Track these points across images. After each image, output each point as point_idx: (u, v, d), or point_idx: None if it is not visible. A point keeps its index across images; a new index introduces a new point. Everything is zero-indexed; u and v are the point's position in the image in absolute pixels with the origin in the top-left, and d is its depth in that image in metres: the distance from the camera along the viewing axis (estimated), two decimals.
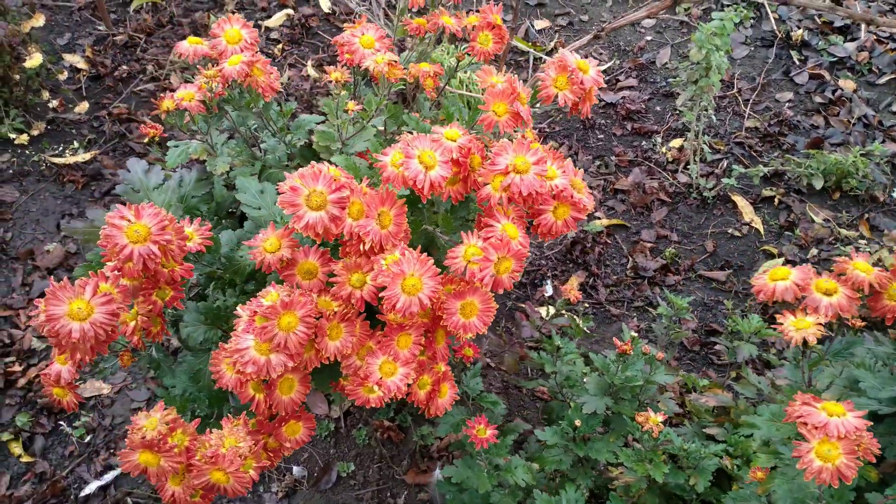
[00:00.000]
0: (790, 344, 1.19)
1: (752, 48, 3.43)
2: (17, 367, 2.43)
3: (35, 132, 3.11)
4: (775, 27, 3.46)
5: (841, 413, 1.05)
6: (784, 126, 3.10)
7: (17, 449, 2.27)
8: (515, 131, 1.27)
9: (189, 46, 1.47)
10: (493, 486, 1.54)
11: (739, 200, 2.88)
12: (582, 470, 1.72)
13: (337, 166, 1.17)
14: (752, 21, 3.50)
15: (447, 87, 1.56)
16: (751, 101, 3.21)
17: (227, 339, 1.33)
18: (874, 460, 1.05)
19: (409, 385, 1.26)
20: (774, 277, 1.25)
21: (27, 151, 3.06)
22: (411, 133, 1.21)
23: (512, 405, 2.40)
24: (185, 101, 1.41)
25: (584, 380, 1.79)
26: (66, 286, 1.12)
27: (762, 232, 2.80)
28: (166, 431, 1.21)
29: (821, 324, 1.18)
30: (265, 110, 1.49)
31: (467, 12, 1.59)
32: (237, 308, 1.19)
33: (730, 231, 2.82)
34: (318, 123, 1.57)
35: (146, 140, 1.60)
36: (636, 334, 1.79)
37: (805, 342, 1.18)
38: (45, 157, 3.03)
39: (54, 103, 3.21)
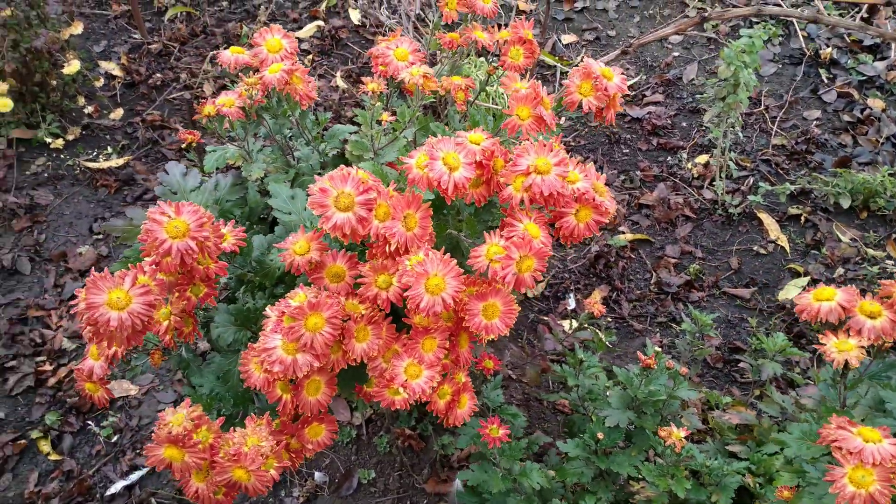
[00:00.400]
0: (832, 365, 1.19)
1: (780, 65, 3.43)
2: (47, 367, 2.48)
3: (70, 137, 3.19)
4: (804, 45, 3.45)
5: (877, 440, 1.05)
6: (811, 144, 3.09)
7: (45, 447, 2.32)
8: (542, 138, 1.29)
9: (230, 56, 1.52)
10: (509, 490, 1.55)
11: (765, 218, 2.87)
12: (603, 483, 1.72)
13: (365, 171, 1.20)
14: (780, 38, 3.50)
15: (477, 100, 1.59)
16: (778, 118, 3.21)
17: (257, 341, 1.36)
18: None
19: (433, 388, 1.28)
20: (819, 298, 1.26)
21: (62, 156, 3.14)
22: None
23: (533, 418, 2.40)
24: (225, 106, 1.45)
25: (608, 393, 1.80)
26: (107, 276, 1.16)
27: (788, 250, 2.79)
28: (192, 428, 1.23)
29: (863, 346, 1.18)
30: (301, 119, 1.52)
31: (498, 26, 1.61)
32: (266, 309, 1.22)
33: (755, 248, 2.81)
34: (351, 133, 1.60)
35: (184, 145, 1.65)
36: (659, 349, 1.79)
37: (846, 364, 1.18)
38: (79, 162, 3.11)
39: (90, 109, 3.29)
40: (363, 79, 1.44)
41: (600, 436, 1.66)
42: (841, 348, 1.18)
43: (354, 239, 1.17)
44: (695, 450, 1.61)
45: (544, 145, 1.21)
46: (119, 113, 3.30)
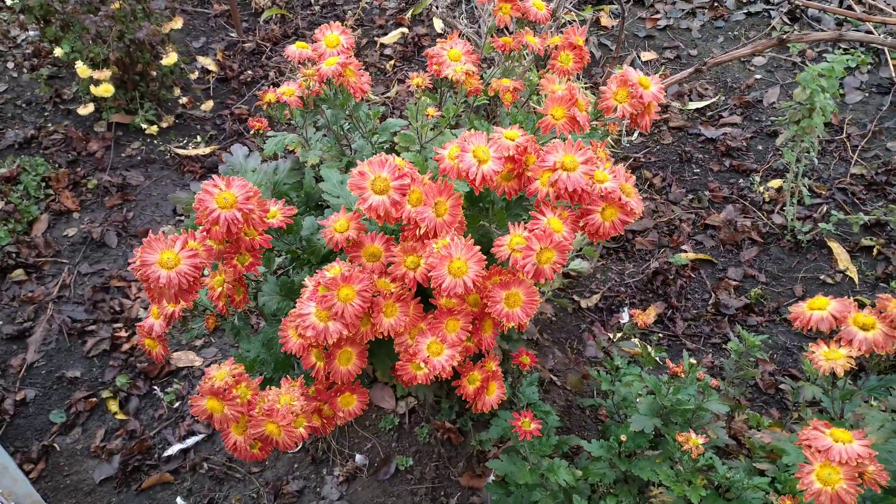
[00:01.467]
0: (819, 372, 1.23)
1: (867, 94, 3.37)
2: (123, 333, 2.71)
3: (164, 125, 3.46)
4: (893, 74, 3.38)
5: (847, 440, 1.09)
6: (892, 175, 3.02)
7: (113, 406, 2.53)
8: (580, 140, 1.38)
9: (296, 50, 1.67)
10: (536, 484, 1.62)
11: (835, 247, 2.83)
12: (626, 488, 1.77)
13: (403, 159, 1.31)
14: (869, 67, 3.43)
15: (528, 102, 1.68)
16: (860, 147, 3.15)
17: None
18: (878, 490, 1.07)
19: (453, 367, 1.38)
20: (812, 307, 1.29)
21: (155, 141, 3.41)
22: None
23: (574, 425, 2.46)
24: (285, 95, 1.60)
25: (638, 400, 1.85)
26: (161, 238, 1.31)
27: (857, 281, 2.75)
28: (232, 383, 1.37)
29: (852, 357, 1.21)
30: (355, 110, 1.66)
31: (551, 33, 1.71)
32: (305, 279, 1.34)
33: (822, 277, 2.78)
34: (402, 127, 1.73)
35: (252, 132, 1.81)
36: (695, 362, 1.83)
37: (833, 373, 1.21)
38: (170, 148, 3.36)
39: (184, 100, 3.55)
40: (410, 74, 1.56)
41: (623, 438, 1.72)
42: (829, 357, 1.21)
43: (388, 221, 1.28)
44: (716, 460, 1.64)
45: (573, 144, 1.30)
46: (210, 105, 3.55)
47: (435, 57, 1.60)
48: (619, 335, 2.33)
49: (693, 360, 1.80)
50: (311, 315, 1.31)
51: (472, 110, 1.72)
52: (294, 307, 1.55)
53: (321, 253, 1.56)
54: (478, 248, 1.26)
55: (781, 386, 2.47)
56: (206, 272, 1.50)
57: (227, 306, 1.58)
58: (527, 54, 1.69)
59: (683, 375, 1.67)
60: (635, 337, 2.36)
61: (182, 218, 3.09)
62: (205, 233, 1.33)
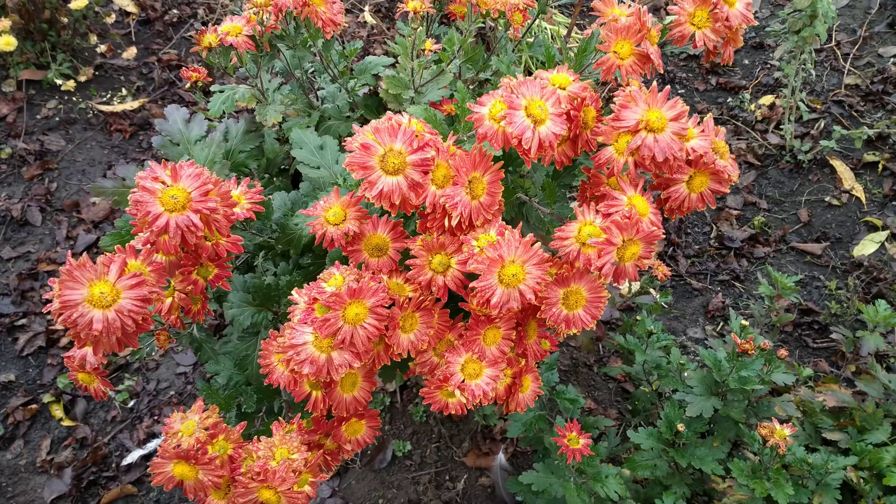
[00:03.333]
0: None
1: None
2: (59, 326, 2.24)
3: (82, 78, 2.89)
4: None
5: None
6: (889, 84, 2.71)
7: (58, 412, 2.10)
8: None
9: None
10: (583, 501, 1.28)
11: (839, 165, 2.52)
12: (678, 477, 1.45)
13: (419, 121, 0.89)
14: None
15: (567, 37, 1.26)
16: (851, 55, 2.82)
17: (279, 323, 1.08)
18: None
19: (496, 390, 1.00)
20: None
21: (74, 98, 2.85)
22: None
23: (582, 385, 2.14)
24: (230, 35, 1.14)
25: (685, 374, 1.51)
26: (86, 264, 0.87)
27: (864, 201, 2.45)
28: (205, 439, 0.97)
29: None
30: (325, 50, 1.21)
31: None
32: (292, 292, 0.93)
33: (827, 199, 2.47)
34: (386, 67, 1.29)
35: (188, 85, 1.35)
36: (746, 323, 1.50)
37: None
38: (92, 105, 2.81)
39: (102, 48, 2.98)
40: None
41: (681, 427, 1.39)
42: None
43: (405, 209, 0.88)
44: (796, 446, 1.33)
45: (656, 93, 0.90)
46: (133, 52, 2.99)
47: None
48: (632, 288, 1.99)
49: (744, 322, 1.46)
50: (307, 346, 0.90)
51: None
52: (273, 319, 1.14)
53: (301, 242, 1.14)
54: (537, 244, 0.86)
55: (801, 323, 2.19)
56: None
57: (182, 319, 1.16)
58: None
59: (753, 353, 1.33)
60: (654, 290, 2.02)
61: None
62: (149, 245, 0.90)
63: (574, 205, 0.95)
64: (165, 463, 0.97)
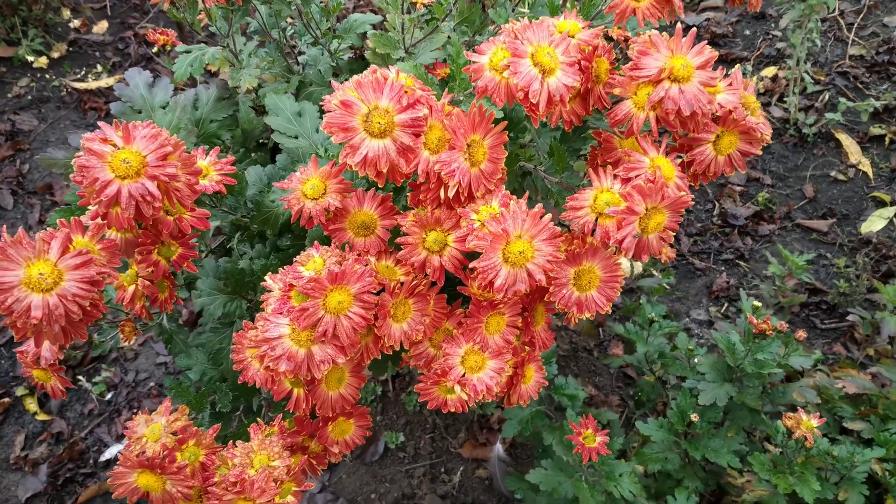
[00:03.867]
0: None
1: None
2: None
3: (55, 54, 2.73)
4: None
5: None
6: (894, 54, 2.58)
7: (32, 405, 1.97)
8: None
9: None
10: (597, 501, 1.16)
11: (844, 139, 2.40)
12: (690, 469, 1.34)
13: (409, 76, 0.76)
14: None
15: None
16: (855, 25, 2.69)
17: (255, 313, 0.95)
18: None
19: (500, 385, 0.88)
20: None
21: (47, 76, 2.69)
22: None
23: (582, 371, 2.02)
24: None
25: (695, 360, 1.40)
26: (23, 240, 0.73)
27: (871, 175, 2.33)
28: (173, 445, 0.84)
29: None
30: (305, 5, 1.07)
31: None
32: (266, 277, 0.80)
33: (832, 174, 2.35)
34: (373, 26, 1.15)
35: (154, 49, 1.21)
36: (759, 304, 1.38)
37: None
38: (65, 82, 2.65)
39: (76, 23, 2.82)
40: None
41: (694, 417, 1.27)
42: None
43: (394, 179, 0.75)
44: (820, 440, 1.22)
45: (680, 37, 0.77)
46: (106, 26, 2.82)
47: None
48: (634, 270, 1.87)
49: (757, 303, 1.34)
50: (283, 339, 0.77)
51: None
52: (248, 307, 1.01)
53: (279, 221, 1.01)
54: (547, 217, 0.74)
55: (807, 303, 2.08)
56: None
57: (148, 308, 1.03)
58: None
59: (771, 333, 1.22)
60: (657, 272, 1.90)
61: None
62: (100, 219, 0.76)
63: (587, 174, 0.82)
64: (128, 472, 0.84)
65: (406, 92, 0.71)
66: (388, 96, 0.71)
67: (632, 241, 0.75)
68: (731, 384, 1.32)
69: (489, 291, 0.77)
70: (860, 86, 2.52)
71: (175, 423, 0.85)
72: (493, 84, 0.72)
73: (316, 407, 0.92)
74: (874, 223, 2.23)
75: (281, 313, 0.78)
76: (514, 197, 0.76)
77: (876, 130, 2.40)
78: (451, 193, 0.74)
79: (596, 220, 0.76)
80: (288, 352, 0.77)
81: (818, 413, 1.45)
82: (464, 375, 0.86)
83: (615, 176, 0.76)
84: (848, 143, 2.39)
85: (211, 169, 0.92)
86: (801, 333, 1.30)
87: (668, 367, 1.51)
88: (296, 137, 0.99)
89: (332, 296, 0.75)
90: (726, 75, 0.87)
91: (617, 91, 0.76)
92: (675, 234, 0.79)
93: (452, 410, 0.88)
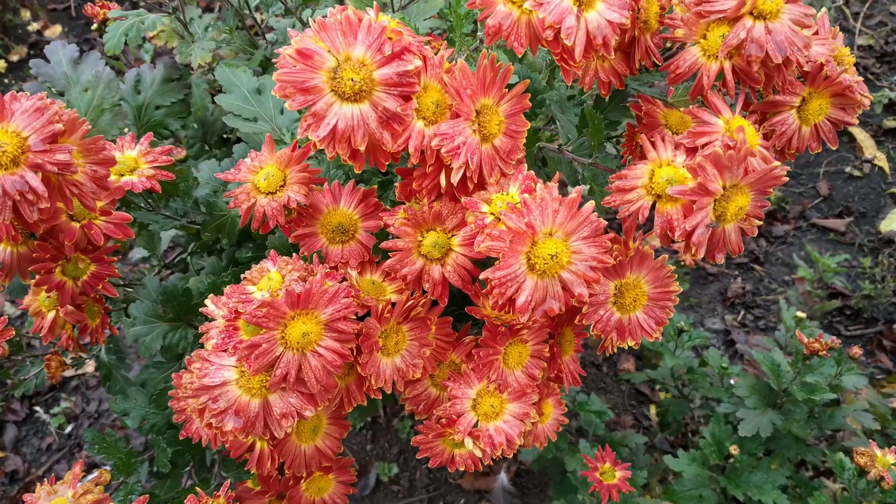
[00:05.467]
0: None
1: None
2: None
3: (14, 58, 2.51)
4: None
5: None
6: None
7: None
8: None
9: None
10: None
11: (858, 133, 2.20)
12: None
13: (394, 19, 0.54)
14: None
15: None
16: (861, 14, 2.50)
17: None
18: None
19: (524, 435, 0.65)
20: None
21: (6, 80, 2.46)
22: None
23: (590, 388, 1.80)
24: None
25: (732, 381, 1.18)
26: None
27: (887, 171, 2.14)
28: None
29: None
30: None
31: None
32: (206, 301, 0.58)
33: (847, 170, 2.16)
34: None
35: (94, 25, 0.99)
36: (802, 315, 1.16)
37: None
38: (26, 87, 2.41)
39: (36, 25, 2.58)
40: None
41: (734, 450, 1.05)
42: None
43: (376, 161, 0.52)
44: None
45: None
46: (58, 30, 2.60)
47: None
48: None
49: (801, 314, 1.13)
50: (229, 386, 0.55)
51: None
52: (195, 337, 0.78)
53: (236, 228, 0.78)
54: (588, 205, 0.52)
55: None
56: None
57: (77, 339, 0.81)
58: None
59: (825, 353, 1.00)
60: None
61: None
62: None
63: (629, 151, 0.60)
64: None
65: (390, 38, 0.49)
66: (364, 43, 0.48)
67: (704, 233, 0.53)
68: (775, 411, 1.10)
69: (509, 312, 0.55)
70: (871, 77, 2.33)
71: (85, 496, 0.62)
72: (510, 21, 0.50)
73: (285, 465, 0.70)
74: (894, 221, 2.03)
75: (225, 350, 0.55)
76: (540, 181, 0.54)
77: (890, 123, 2.21)
78: (454, 179, 0.52)
79: (653, 205, 0.54)
80: (235, 404, 0.54)
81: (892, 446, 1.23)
82: (476, 425, 0.63)
83: (677, 145, 0.54)
84: (862, 137, 2.19)
85: (141, 161, 0.69)
86: (857, 350, 1.08)
87: (696, 384, 1.30)
88: (254, 120, 0.76)
89: (294, 325, 0.53)
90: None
91: (679, 33, 0.55)
92: (760, 224, 0.57)
93: (462, 469, 0.66)
